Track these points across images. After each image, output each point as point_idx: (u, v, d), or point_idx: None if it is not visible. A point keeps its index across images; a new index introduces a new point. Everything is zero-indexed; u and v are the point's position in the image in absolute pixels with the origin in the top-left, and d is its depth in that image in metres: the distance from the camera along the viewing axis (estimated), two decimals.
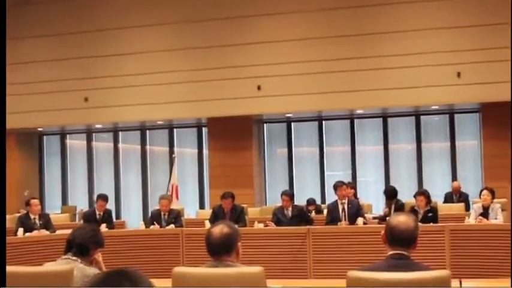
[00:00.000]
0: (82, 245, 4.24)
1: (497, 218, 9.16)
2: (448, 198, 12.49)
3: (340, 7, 13.16)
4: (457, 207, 11.39)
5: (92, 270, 4.15)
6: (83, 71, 14.31)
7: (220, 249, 3.57)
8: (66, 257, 4.21)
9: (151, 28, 14.13)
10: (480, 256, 8.01)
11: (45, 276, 3.88)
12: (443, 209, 10.84)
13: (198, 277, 3.50)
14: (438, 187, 13.38)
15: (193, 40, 13.81)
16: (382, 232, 3.52)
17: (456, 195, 12.47)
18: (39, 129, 15.82)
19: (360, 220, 9.30)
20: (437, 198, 12.00)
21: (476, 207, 9.42)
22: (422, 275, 3.21)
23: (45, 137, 16.72)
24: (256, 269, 3.52)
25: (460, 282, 4.07)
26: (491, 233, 8.23)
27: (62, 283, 3.84)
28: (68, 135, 16.72)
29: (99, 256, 4.37)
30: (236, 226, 3.86)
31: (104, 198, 10.68)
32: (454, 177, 13.92)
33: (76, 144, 16.77)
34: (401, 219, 3.47)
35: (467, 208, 11.33)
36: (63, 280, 3.85)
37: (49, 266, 4.17)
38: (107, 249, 4.51)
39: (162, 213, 10.06)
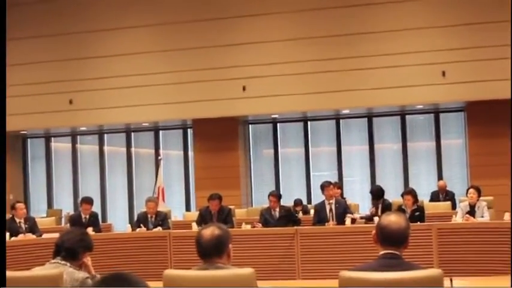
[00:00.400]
0: (71, 249, 4.22)
1: (484, 216, 9.23)
2: (434, 197, 12.53)
3: (325, 7, 13.18)
4: (444, 206, 11.42)
5: (81, 275, 4.12)
6: (68, 73, 14.24)
7: (211, 251, 3.54)
8: (55, 261, 4.18)
9: (137, 30, 14.08)
10: (468, 254, 8.03)
11: (34, 281, 3.84)
12: (430, 207, 10.87)
13: (189, 280, 3.47)
14: (424, 186, 13.41)
15: (179, 41, 13.78)
16: (373, 232, 3.52)
17: (442, 194, 12.51)
18: (22, 132, 15.70)
19: (348, 218, 9.30)
20: (423, 197, 12.02)
21: (463, 205, 9.47)
22: (415, 275, 3.20)
23: (29, 140, 16.59)
24: (247, 270, 3.50)
25: (451, 281, 4.07)
26: (478, 231, 8.27)
27: (52, 287, 3.80)
28: (52, 138, 16.60)
29: (88, 260, 4.34)
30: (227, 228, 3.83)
31: (87, 201, 10.48)
32: (440, 176, 13.96)
33: (61, 147, 16.65)
34: (392, 219, 3.46)
35: (454, 207, 11.37)
36: (52, 284, 3.81)
37: (38, 271, 4.13)
38: (94, 252, 4.48)
39: (149, 216, 10.02)
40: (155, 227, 9.81)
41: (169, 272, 3.60)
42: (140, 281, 1.57)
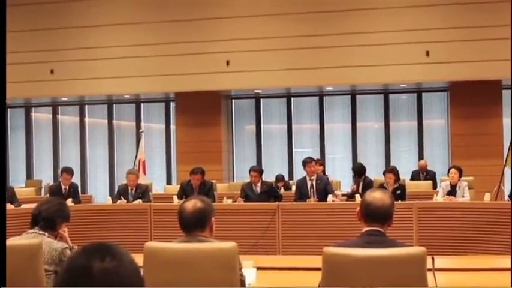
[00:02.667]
0: (49, 219, 4.20)
1: (465, 196, 9.30)
2: (415, 176, 12.55)
3: None
4: (425, 185, 11.44)
5: (60, 245, 4.10)
6: (49, 42, 14.01)
7: (194, 224, 3.51)
8: (32, 231, 4.15)
9: (121, 1, 13.89)
10: (448, 234, 8.07)
11: (14, 250, 3.78)
12: (411, 186, 10.86)
13: (170, 252, 3.44)
14: (405, 165, 13.42)
15: (162, 14, 13.61)
16: (358, 209, 3.50)
17: (423, 173, 12.54)
18: None
19: (330, 198, 9.29)
20: (404, 176, 12.04)
21: (444, 185, 9.52)
22: (399, 252, 3.19)
23: (9, 110, 16.38)
24: (229, 244, 3.48)
25: (433, 259, 4.06)
26: (458, 211, 8.30)
27: (31, 256, 3.75)
28: (33, 108, 16.42)
29: (64, 231, 4.31)
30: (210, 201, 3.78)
31: (68, 171, 10.43)
32: (421, 156, 14.01)
33: (41, 117, 16.47)
34: (377, 196, 3.45)
35: (435, 186, 11.41)
36: (32, 254, 3.77)
37: (15, 240, 4.09)
38: (73, 223, 4.43)
39: (130, 188, 9.94)
40: (135, 199, 9.75)
41: (150, 244, 3.56)
42: (124, 252, 1.52)
